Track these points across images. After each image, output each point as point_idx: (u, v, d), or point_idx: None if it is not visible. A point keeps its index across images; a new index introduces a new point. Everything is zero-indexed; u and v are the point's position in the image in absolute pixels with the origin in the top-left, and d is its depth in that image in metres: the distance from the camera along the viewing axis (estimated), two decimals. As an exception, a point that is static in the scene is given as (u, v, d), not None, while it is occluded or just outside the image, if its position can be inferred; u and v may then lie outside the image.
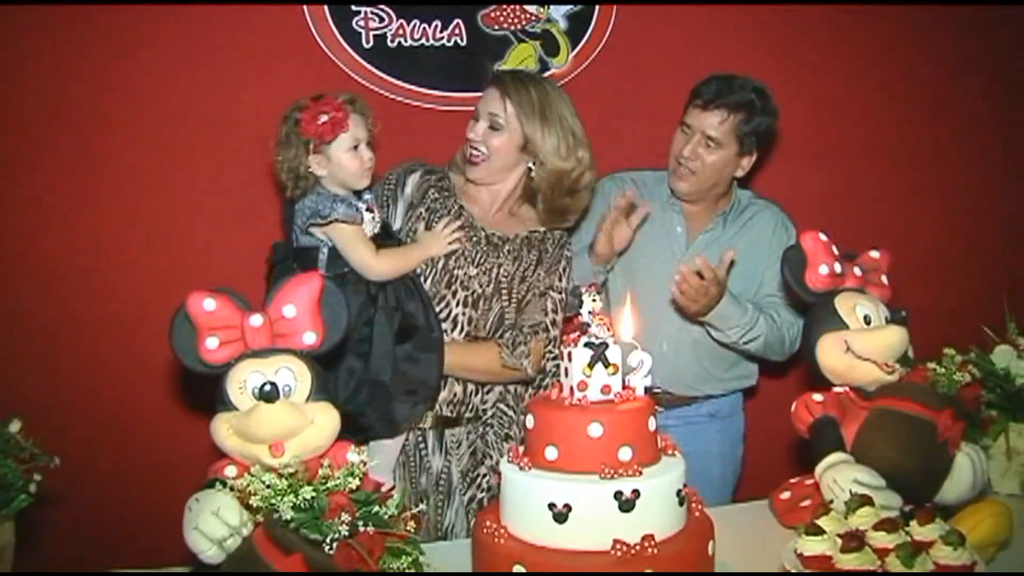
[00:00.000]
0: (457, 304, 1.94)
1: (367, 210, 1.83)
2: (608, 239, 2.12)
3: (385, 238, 1.88)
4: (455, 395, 1.96)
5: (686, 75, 2.26)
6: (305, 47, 2.42)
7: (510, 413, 2.02)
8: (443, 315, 1.93)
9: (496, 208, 2.04)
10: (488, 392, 2.00)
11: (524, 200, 2.06)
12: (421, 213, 1.98)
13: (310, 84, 2.38)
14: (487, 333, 1.96)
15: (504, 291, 1.97)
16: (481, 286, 1.95)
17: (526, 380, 2.02)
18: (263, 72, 2.39)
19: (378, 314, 1.80)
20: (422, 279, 1.92)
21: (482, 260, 1.97)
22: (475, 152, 1.98)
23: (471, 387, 1.98)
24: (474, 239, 1.98)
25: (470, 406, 1.98)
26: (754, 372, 2.36)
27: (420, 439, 1.97)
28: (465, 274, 1.95)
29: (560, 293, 2.01)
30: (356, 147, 1.79)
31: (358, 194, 1.86)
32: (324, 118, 1.74)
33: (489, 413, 2.00)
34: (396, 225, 1.98)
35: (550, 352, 1.99)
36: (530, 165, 2.00)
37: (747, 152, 2.19)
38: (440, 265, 1.95)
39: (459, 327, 1.94)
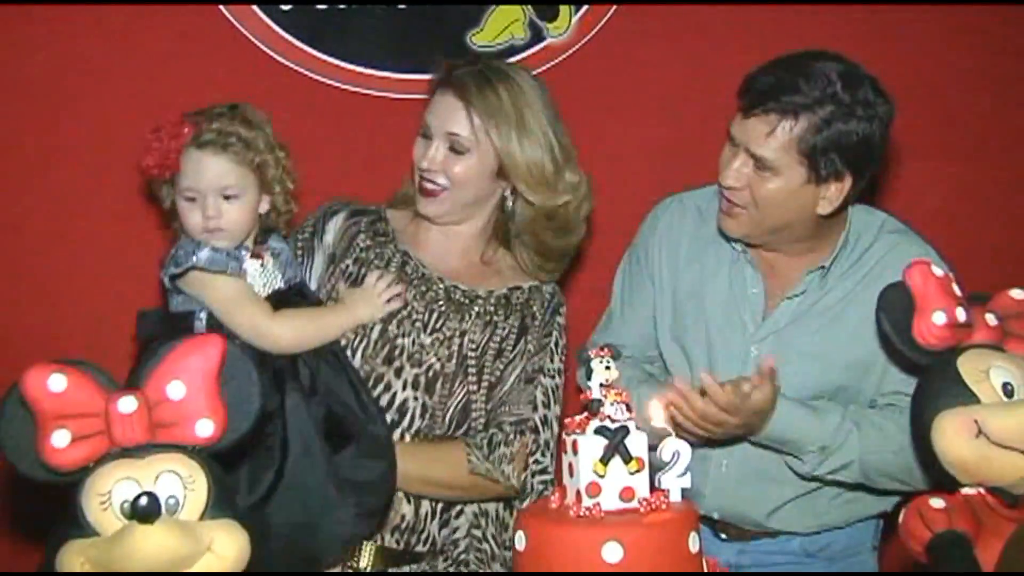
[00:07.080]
0: (404, 387, 1.96)
1: (253, 256, 1.85)
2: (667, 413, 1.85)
3: (299, 299, 1.91)
4: (404, 519, 1.96)
5: (742, 50, 2.29)
6: (196, 10, 2.44)
7: (489, 545, 2.02)
8: (384, 403, 1.93)
9: (458, 255, 2.07)
10: (457, 515, 2.00)
11: (499, 243, 2.09)
12: (348, 266, 2.03)
13: (203, 65, 2.42)
14: (446, 428, 1.97)
15: (472, 369, 1.98)
16: (439, 360, 1.97)
17: (505, 497, 2.01)
18: (138, 49, 2.42)
19: (290, 400, 1.78)
20: (349, 352, 1.94)
21: (439, 325, 1.99)
22: (430, 185, 2.00)
23: (426, 507, 1.98)
24: (428, 296, 2.01)
25: (425, 535, 1.98)
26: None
27: None
28: (415, 344, 1.98)
29: (554, 378, 2.03)
30: (193, 199, 1.81)
31: (267, 237, 1.87)
32: (155, 147, 1.79)
33: (461, 547, 2.01)
34: (314, 285, 2.02)
35: (537, 462, 1.99)
36: (505, 194, 2.03)
37: (828, 178, 1.98)
38: (375, 334, 1.97)
39: (409, 417, 1.96)
